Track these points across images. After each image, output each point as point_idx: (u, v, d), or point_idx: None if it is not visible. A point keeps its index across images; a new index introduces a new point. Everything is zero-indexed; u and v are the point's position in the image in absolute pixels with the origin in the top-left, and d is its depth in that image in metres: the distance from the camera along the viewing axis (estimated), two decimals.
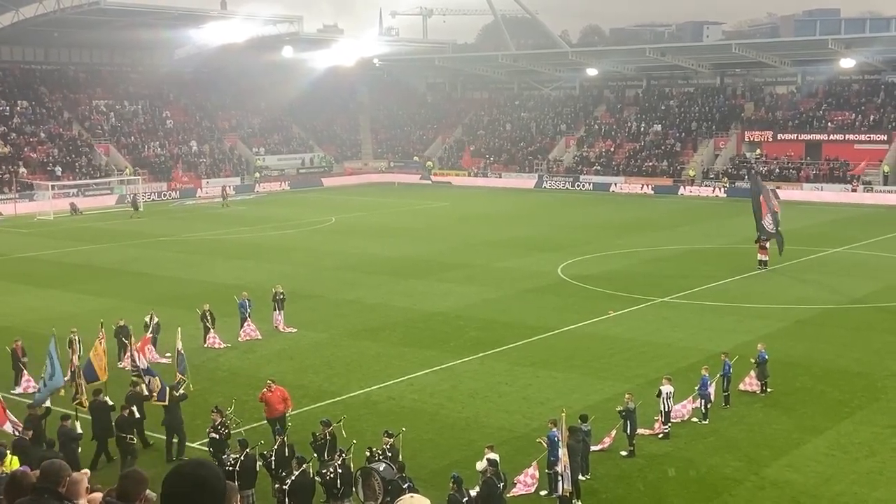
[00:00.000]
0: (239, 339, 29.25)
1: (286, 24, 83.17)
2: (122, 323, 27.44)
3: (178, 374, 22.38)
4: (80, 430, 19.66)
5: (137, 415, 20.39)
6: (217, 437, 18.98)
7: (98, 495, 6.96)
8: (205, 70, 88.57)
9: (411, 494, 4.42)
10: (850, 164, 69.24)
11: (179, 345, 23.03)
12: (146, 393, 20.96)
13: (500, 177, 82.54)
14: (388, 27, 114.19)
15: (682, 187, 73.29)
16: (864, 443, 20.52)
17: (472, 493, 16.05)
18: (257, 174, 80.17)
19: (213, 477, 4.42)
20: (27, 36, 77.18)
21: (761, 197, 40.26)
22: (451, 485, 15.82)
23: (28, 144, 72.95)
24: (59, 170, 70.52)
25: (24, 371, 25.28)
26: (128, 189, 69.70)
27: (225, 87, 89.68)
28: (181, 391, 21.29)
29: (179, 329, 24.18)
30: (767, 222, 39.74)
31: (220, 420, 19.31)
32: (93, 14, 71.43)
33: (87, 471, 12.14)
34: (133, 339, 24.08)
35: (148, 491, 5.84)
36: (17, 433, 19.17)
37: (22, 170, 69.45)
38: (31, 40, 79.50)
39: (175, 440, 20.36)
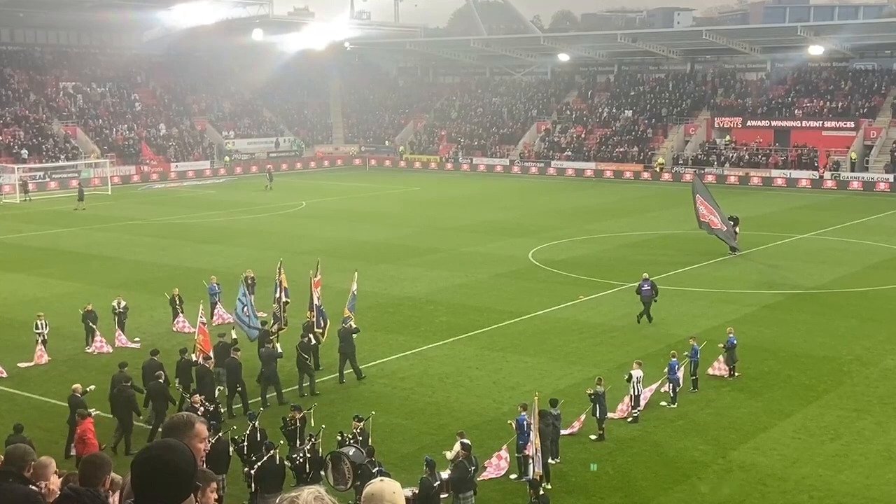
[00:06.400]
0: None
1: (256, 6, 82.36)
2: (89, 307, 27.18)
3: (346, 310, 25.14)
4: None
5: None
6: None
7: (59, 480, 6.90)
8: (174, 52, 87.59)
9: (381, 478, 4.30)
10: (817, 151, 69.78)
11: (354, 286, 25.61)
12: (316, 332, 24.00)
13: (472, 161, 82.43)
14: (359, 10, 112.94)
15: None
16: (830, 426, 20.79)
17: (444, 475, 16.10)
18: (227, 158, 79.48)
19: (182, 461, 4.13)
20: None
21: (699, 198, 40.56)
22: (424, 468, 15.86)
23: None
24: (25, 152, 69.59)
25: None
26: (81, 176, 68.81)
27: (194, 70, 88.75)
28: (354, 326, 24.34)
29: (356, 273, 26.38)
30: (715, 222, 39.99)
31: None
32: None
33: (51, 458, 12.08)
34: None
35: (113, 474, 5.77)
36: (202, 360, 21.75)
37: None
38: None
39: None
